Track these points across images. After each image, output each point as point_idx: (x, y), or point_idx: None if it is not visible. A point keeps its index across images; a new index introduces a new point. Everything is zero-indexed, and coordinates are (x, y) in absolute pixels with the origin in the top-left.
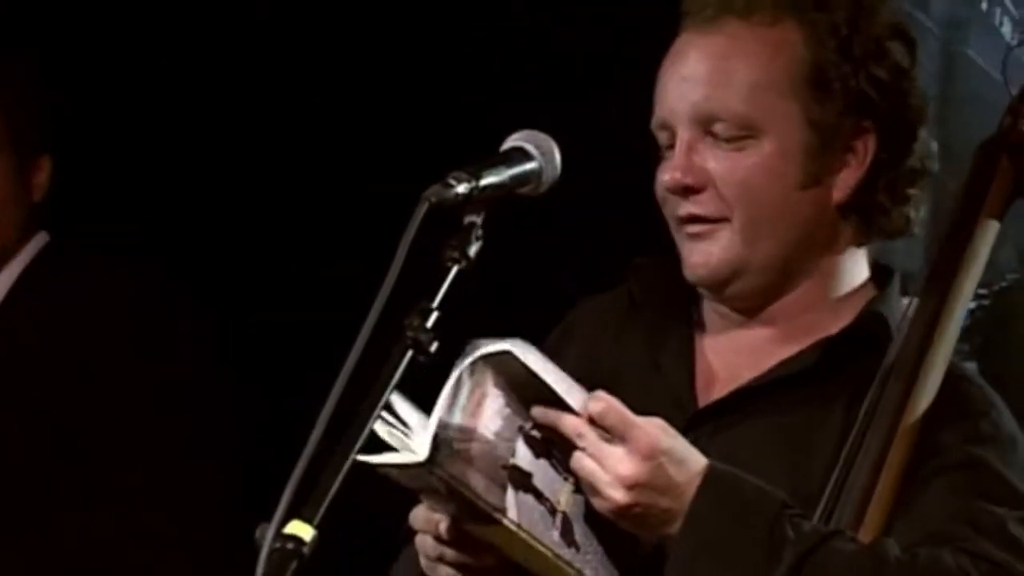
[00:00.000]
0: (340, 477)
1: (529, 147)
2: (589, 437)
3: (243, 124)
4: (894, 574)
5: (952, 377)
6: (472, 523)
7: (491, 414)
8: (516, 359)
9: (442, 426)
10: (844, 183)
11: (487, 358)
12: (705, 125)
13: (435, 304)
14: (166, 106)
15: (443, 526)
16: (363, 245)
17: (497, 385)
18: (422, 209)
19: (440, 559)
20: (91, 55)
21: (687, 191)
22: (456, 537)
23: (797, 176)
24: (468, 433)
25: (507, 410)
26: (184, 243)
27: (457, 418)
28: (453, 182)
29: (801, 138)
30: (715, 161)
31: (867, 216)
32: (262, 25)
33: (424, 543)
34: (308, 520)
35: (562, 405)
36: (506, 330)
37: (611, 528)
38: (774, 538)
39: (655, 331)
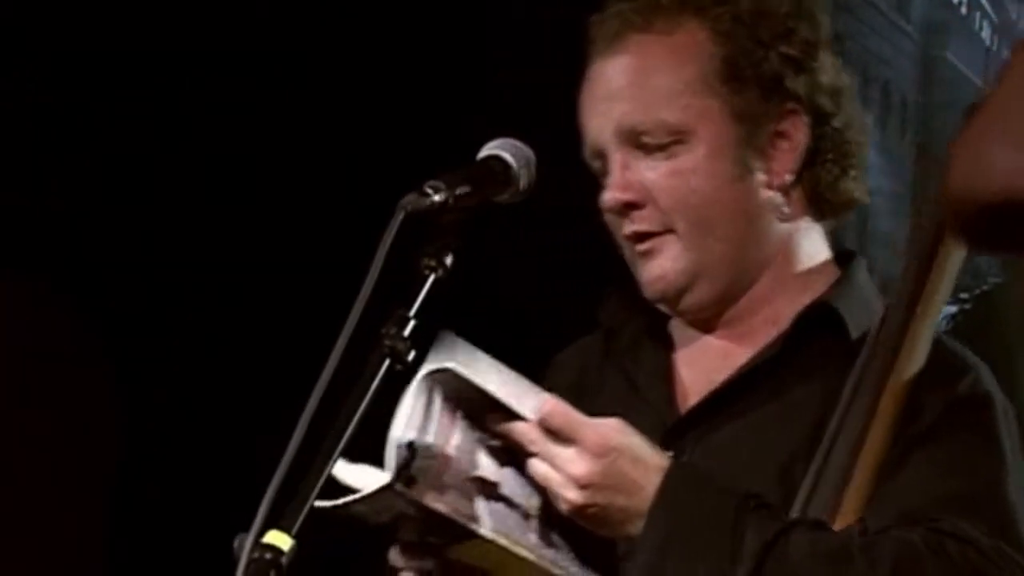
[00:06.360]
0: (318, 486)
1: (506, 155)
2: (539, 441)
3: (220, 133)
4: (857, 559)
5: (931, 340)
6: (450, 544)
7: (447, 429)
8: (457, 375)
9: (400, 447)
10: (781, 167)
11: (431, 375)
12: (633, 140)
13: (412, 313)
14: (151, 117)
15: (429, 564)
16: (339, 255)
17: (448, 399)
18: (398, 218)
19: None
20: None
21: (628, 208)
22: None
23: (731, 170)
24: (428, 450)
25: (462, 423)
26: (166, 257)
27: (414, 437)
28: (429, 191)
29: (729, 132)
30: (650, 172)
31: (813, 193)
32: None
33: None
34: (286, 530)
35: (512, 413)
36: (487, 337)
37: (581, 530)
38: (737, 531)
39: (630, 356)
